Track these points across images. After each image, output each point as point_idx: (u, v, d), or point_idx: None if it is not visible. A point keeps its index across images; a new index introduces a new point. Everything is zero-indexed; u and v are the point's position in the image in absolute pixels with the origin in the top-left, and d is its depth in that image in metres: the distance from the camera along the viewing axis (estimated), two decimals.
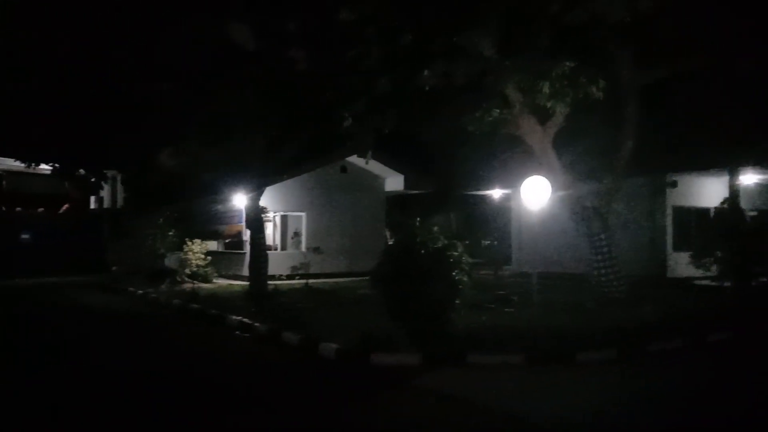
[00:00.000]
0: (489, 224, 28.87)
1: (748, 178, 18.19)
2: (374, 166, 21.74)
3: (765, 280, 15.34)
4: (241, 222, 19.94)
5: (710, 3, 10.90)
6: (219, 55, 13.87)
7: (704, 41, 11.50)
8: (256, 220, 15.80)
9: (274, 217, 21.01)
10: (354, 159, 20.66)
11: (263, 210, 16.22)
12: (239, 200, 18.14)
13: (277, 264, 18.78)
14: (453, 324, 9.16)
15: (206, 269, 19.51)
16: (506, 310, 12.49)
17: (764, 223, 19.21)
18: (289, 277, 18.59)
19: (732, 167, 17.19)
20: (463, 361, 8.24)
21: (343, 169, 22.03)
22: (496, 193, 24.65)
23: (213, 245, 21.95)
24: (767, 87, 14.32)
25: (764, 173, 18.21)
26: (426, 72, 11.23)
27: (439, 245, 9.03)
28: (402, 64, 11.65)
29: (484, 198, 26.69)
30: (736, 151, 16.57)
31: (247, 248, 17.56)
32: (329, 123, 13.58)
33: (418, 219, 9.39)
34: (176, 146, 15.94)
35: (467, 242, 9.61)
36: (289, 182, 20.79)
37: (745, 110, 15.64)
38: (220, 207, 21.68)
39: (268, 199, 17.83)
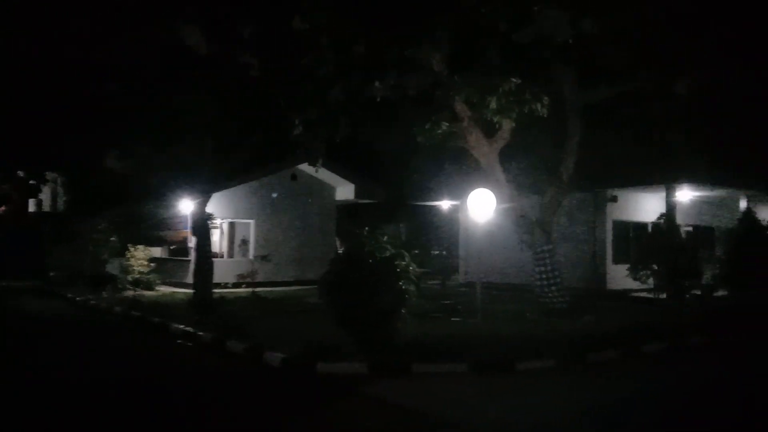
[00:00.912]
0: (438, 235, 29.21)
1: (684, 195, 19.04)
2: (325, 175, 21.74)
3: (698, 292, 16.09)
4: (186, 228, 19.57)
5: (650, 26, 11.39)
6: (171, 57, 13.66)
7: (644, 63, 12.03)
8: (202, 227, 15.55)
9: (222, 223, 20.72)
10: (304, 167, 20.59)
11: (210, 216, 15.99)
12: (185, 206, 17.82)
13: (224, 272, 18.53)
14: (400, 333, 9.25)
15: (149, 276, 19.05)
16: (452, 319, 12.69)
17: (697, 238, 20.18)
18: (236, 285, 18.35)
19: (669, 184, 17.97)
20: (408, 370, 8.33)
21: (294, 177, 21.93)
22: (444, 204, 24.99)
23: (157, 251, 21.48)
24: (702, 108, 15.03)
25: (699, 190, 19.12)
26: (378, 83, 11.36)
27: (387, 255, 9.13)
28: (354, 74, 11.75)
29: (433, 209, 27.02)
30: (672, 168, 17.36)
31: (193, 255, 17.25)
32: (280, 130, 13.54)
33: (367, 228, 9.46)
34: (122, 149, 15.57)
35: (416, 252, 9.76)
36: (237, 189, 20.56)
37: (681, 130, 16.40)
38: (165, 212, 21.21)
39: (215, 205, 17.61)
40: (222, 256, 20.70)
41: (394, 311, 8.99)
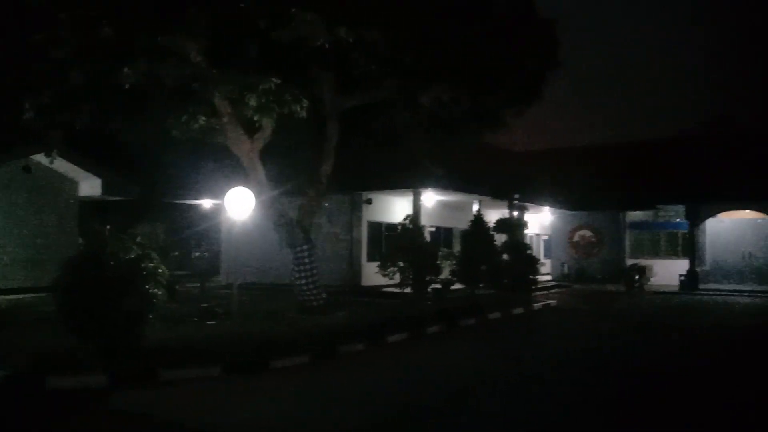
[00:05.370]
0: (200, 235, 28.12)
1: (428, 198, 21.03)
2: (65, 167, 19.44)
3: (438, 286, 17.89)
4: None
5: (397, 40, 12.18)
6: None
7: (392, 73, 12.88)
8: None
9: None
10: (41, 158, 18.14)
11: None
12: None
13: None
14: (146, 339, 8.69)
15: None
16: (208, 322, 12.29)
17: (439, 238, 22.34)
18: None
19: (415, 188, 19.69)
20: (155, 377, 7.84)
21: (27, 169, 19.15)
22: (206, 203, 24.15)
23: None
24: (444, 119, 16.59)
25: (440, 194, 21.28)
26: (126, 69, 10.48)
27: (133, 256, 8.51)
28: (99, 57, 10.68)
29: (194, 207, 25.91)
30: (419, 174, 19.05)
31: None
32: (7, 114, 11.76)
33: (109, 227, 8.70)
34: None
35: (176, 254, 9.27)
36: None
37: (426, 139, 18.02)
38: None
39: None
40: None
41: (140, 316, 8.41)
